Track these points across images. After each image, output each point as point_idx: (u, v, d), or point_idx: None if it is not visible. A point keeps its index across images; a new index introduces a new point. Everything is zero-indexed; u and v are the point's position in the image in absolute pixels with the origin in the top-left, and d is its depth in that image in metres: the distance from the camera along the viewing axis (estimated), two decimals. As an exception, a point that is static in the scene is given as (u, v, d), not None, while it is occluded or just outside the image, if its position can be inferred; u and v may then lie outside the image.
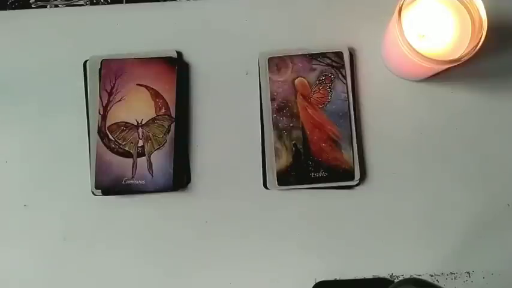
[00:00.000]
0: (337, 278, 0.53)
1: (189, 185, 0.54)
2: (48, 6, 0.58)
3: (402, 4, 0.47)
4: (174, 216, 0.54)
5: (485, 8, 0.47)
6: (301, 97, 0.54)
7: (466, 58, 0.47)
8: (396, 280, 0.53)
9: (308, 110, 0.54)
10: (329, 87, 0.54)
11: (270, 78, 0.54)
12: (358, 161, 0.53)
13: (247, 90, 0.55)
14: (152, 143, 0.53)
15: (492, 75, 0.56)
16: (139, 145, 0.53)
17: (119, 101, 0.54)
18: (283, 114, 0.54)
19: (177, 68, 0.55)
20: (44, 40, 0.56)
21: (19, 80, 0.56)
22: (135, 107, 0.54)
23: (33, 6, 0.58)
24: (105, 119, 0.54)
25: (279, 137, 0.53)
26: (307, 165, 0.53)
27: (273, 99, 0.54)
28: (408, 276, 0.53)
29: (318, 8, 0.57)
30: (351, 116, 0.54)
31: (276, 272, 0.53)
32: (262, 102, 0.55)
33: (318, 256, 0.53)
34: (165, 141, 0.53)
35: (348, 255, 0.53)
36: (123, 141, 0.53)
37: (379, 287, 0.52)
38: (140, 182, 0.53)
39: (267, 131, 0.54)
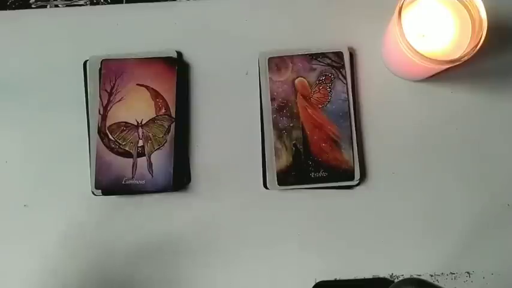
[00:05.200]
0: (337, 278, 0.53)
1: (189, 185, 0.54)
2: (48, 6, 0.58)
3: (402, 4, 0.48)
4: (174, 216, 0.54)
5: (485, 8, 0.47)
6: (301, 97, 0.54)
7: (466, 58, 0.47)
8: (396, 280, 0.53)
9: (308, 110, 0.54)
10: (329, 87, 0.54)
11: (270, 78, 0.54)
12: (358, 161, 0.53)
13: (247, 90, 0.55)
14: (152, 143, 0.53)
15: (492, 75, 0.56)
16: (139, 145, 0.53)
17: (119, 101, 0.54)
18: (283, 114, 0.54)
19: (177, 68, 0.55)
20: (44, 40, 0.56)
21: (19, 80, 0.56)
22: (135, 107, 0.54)
23: (33, 6, 0.58)
24: (105, 119, 0.54)
25: (279, 137, 0.53)
26: (307, 165, 0.53)
27: (273, 99, 0.54)
28: (408, 276, 0.53)
29: (318, 8, 0.57)
30: (351, 116, 0.54)
31: (276, 272, 0.53)
32: (262, 102, 0.55)
33: (318, 256, 0.53)
34: (165, 141, 0.53)
35: (348, 255, 0.53)
36: (123, 141, 0.53)
37: (379, 287, 0.52)
38: (140, 182, 0.53)
39: (267, 131, 0.54)
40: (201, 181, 0.54)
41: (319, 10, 0.57)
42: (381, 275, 0.53)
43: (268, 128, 0.54)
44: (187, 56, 0.56)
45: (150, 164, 0.53)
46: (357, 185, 0.54)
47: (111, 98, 0.54)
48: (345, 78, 0.54)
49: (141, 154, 0.53)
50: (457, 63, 0.47)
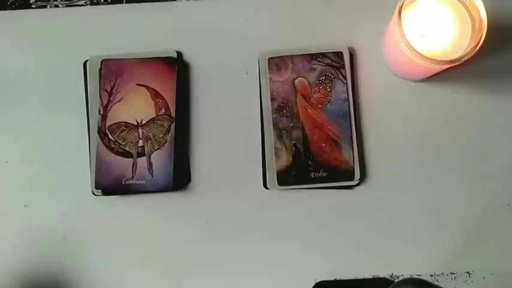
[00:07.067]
0: (337, 278, 0.53)
1: (189, 185, 0.54)
2: (48, 6, 0.58)
3: (402, 4, 0.48)
4: (174, 216, 0.54)
5: (485, 8, 0.48)
6: (301, 97, 0.54)
7: (466, 58, 0.47)
8: (396, 280, 0.53)
9: (308, 110, 0.54)
10: (329, 87, 0.54)
11: (270, 78, 0.54)
12: (358, 161, 0.53)
13: (247, 90, 0.55)
14: (152, 143, 0.53)
15: (492, 75, 0.56)
16: (139, 145, 0.53)
17: (119, 101, 0.54)
18: (283, 114, 0.54)
19: (177, 68, 0.55)
20: (44, 40, 0.56)
21: (19, 80, 0.56)
22: (135, 107, 0.54)
23: (33, 6, 0.58)
24: (105, 119, 0.54)
25: (279, 137, 0.53)
26: (307, 165, 0.53)
27: (273, 99, 0.54)
28: (408, 276, 0.53)
29: (318, 8, 0.57)
30: (351, 116, 0.54)
31: (276, 272, 0.53)
32: (262, 102, 0.55)
33: (318, 256, 0.53)
34: (165, 141, 0.53)
35: (348, 255, 0.53)
36: (123, 141, 0.53)
37: (379, 287, 0.52)
38: (140, 182, 0.53)
39: (267, 131, 0.54)
40: (201, 181, 0.54)
41: (319, 10, 0.57)
42: (381, 275, 0.53)
43: (268, 128, 0.54)
44: (187, 56, 0.56)
45: (150, 164, 0.53)
46: (357, 185, 0.54)
47: (111, 98, 0.54)
48: (345, 78, 0.54)
49: (141, 154, 0.53)
50: (457, 63, 0.47)
